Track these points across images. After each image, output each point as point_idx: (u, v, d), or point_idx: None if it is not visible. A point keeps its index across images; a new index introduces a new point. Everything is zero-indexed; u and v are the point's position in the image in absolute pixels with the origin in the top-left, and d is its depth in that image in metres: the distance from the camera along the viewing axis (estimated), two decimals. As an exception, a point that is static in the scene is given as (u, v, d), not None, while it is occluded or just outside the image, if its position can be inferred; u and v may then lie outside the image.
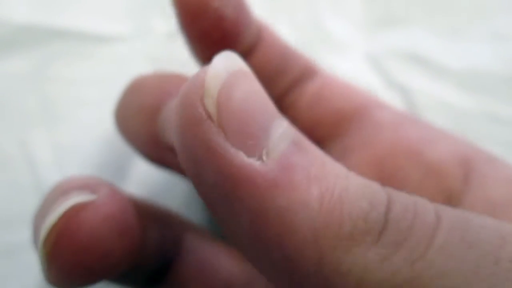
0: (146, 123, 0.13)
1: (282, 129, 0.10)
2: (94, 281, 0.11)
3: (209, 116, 0.09)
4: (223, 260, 0.16)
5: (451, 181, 0.14)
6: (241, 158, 0.09)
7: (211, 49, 0.15)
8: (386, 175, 0.15)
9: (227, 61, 0.10)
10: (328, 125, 0.17)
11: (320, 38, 0.24)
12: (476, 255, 0.09)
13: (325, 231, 0.09)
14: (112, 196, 0.12)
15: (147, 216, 0.15)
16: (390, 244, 0.09)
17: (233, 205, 0.09)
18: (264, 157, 0.09)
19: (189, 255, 0.16)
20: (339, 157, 0.16)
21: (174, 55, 0.24)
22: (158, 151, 0.13)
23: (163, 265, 0.15)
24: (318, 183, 0.09)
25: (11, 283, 0.18)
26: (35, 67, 0.23)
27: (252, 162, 0.09)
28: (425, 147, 0.15)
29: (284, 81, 0.17)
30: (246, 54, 0.16)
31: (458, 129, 0.20)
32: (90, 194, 0.11)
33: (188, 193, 0.20)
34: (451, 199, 0.14)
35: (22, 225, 0.19)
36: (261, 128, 0.10)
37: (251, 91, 0.10)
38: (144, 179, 0.21)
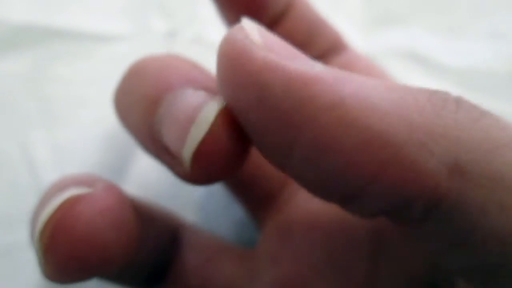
0: (145, 114, 0.12)
1: (317, 62, 0.10)
2: (90, 275, 0.11)
3: (257, 44, 0.10)
4: (222, 260, 0.16)
5: None
6: (302, 66, 0.09)
7: (237, 15, 0.15)
8: None
9: (252, 21, 0.11)
10: None
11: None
12: None
13: (403, 103, 0.09)
14: (109, 189, 0.11)
15: (146, 214, 0.15)
16: (473, 111, 0.09)
17: (309, 105, 0.09)
18: (317, 67, 0.10)
19: (188, 254, 0.16)
20: None
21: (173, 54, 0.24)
22: (153, 145, 0.12)
23: (163, 265, 0.15)
24: (378, 81, 0.10)
25: (10, 283, 0.18)
26: (34, 66, 0.23)
27: (312, 67, 0.10)
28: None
29: (310, 52, 0.16)
30: (275, 21, 0.16)
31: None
32: (87, 188, 0.11)
33: (187, 193, 0.20)
34: None
35: (22, 225, 0.19)
36: (302, 55, 0.10)
37: (283, 39, 0.11)
38: (144, 179, 0.21)
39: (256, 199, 0.17)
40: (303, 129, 0.09)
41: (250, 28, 0.10)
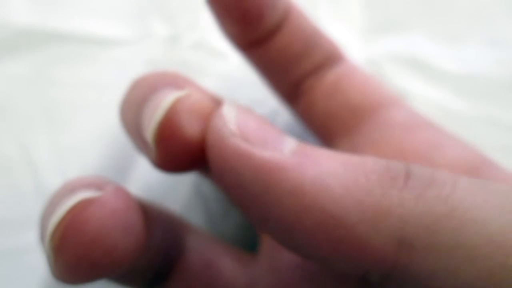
0: (135, 115, 0.13)
1: (292, 143, 0.12)
2: (99, 276, 0.12)
3: (233, 133, 0.11)
4: (224, 261, 0.16)
5: None
6: (268, 152, 0.11)
7: (235, 26, 0.16)
8: None
9: (232, 104, 0.12)
10: (340, 119, 0.17)
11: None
12: (498, 197, 0.10)
13: (355, 184, 0.10)
14: (118, 192, 0.12)
15: (151, 215, 0.15)
16: (418, 186, 0.10)
17: (273, 191, 0.11)
18: (286, 151, 0.11)
19: (192, 256, 0.16)
20: None
21: (174, 59, 0.24)
22: (142, 144, 0.13)
23: (166, 266, 0.16)
24: (337, 158, 0.11)
25: (13, 285, 0.19)
26: (36, 70, 0.23)
27: (278, 153, 0.11)
28: (434, 152, 0.15)
29: (306, 64, 0.17)
30: (272, 33, 0.16)
31: (456, 134, 0.20)
32: (96, 191, 0.12)
33: (188, 196, 0.20)
34: None
35: (24, 228, 0.20)
36: (275, 136, 0.12)
37: (258, 118, 0.12)
38: (145, 182, 0.21)
39: None
40: (271, 210, 0.11)
41: (228, 115, 0.12)
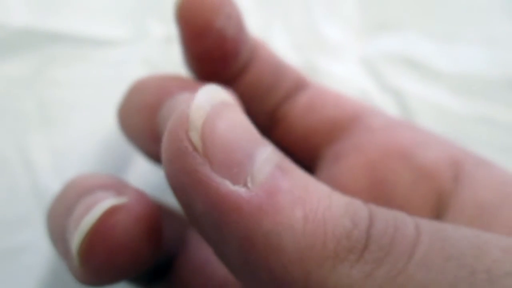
0: (147, 121, 0.13)
1: (266, 154, 0.10)
2: (121, 279, 0.12)
3: (195, 148, 0.10)
4: None
5: (441, 183, 0.14)
6: (227, 186, 0.10)
7: (211, 67, 0.16)
8: (378, 178, 0.15)
9: (209, 95, 0.10)
10: (321, 133, 0.17)
11: (315, 42, 0.24)
12: (454, 266, 0.09)
13: (310, 251, 0.10)
14: (142, 198, 0.12)
15: (164, 216, 0.15)
16: (372, 260, 0.10)
17: (222, 231, 0.10)
18: (249, 184, 0.10)
19: (191, 252, 0.16)
20: (332, 162, 0.17)
21: (171, 59, 0.24)
22: (156, 145, 0.13)
23: (166, 262, 0.16)
24: (302, 205, 0.10)
25: (10, 285, 0.19)
26: (32, 70, 0.23)
27: (237, 190, 0.10)
28: (416, 150, 0.15)
29: (277, 94, 0.17)
30: (242, 70, 0.17)
31: (451, 133, 0.20)
32: (117, 195, 0.12)
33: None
34: (441, 201, 0.14)
35: (21, 228, 0.20)
36: (245, 155, 0.10)
37: (234, 122, 0.10)
38: (142, 182, 0.21)
39: None
40: (218, 245, 0.10)
41: (195, 115, 0.10)
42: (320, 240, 0.10)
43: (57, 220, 0.13)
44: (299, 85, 0.18)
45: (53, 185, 0.20)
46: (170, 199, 0.21)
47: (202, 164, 0.10)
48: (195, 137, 0.10)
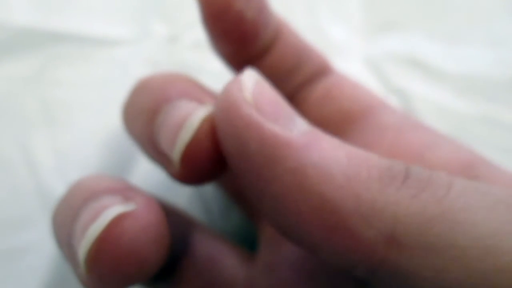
0: (146, 125, 0.13)
1: (302, 120, 0.12)
2: (129, 285, 0.12)
3: (247, 102, 0.11)
4: (227, 259, 0.16)
5: None
6: (278, 127, 0.11)
7: (231, 46, 0.16)
8: None
9: (252, 75, 0.12)
10: (333, 124, 0.17)
11: (319, 42, 0.24)
12: (491, 200, 0.10)
13: (356, 177, 0.11)
14: (150, 205, 0.12)
15: (169, 217, 0.15)
16: (415, 186, 0.11)
17: (275, 166, 0.11)
18: (295, 131, 0.11)
19: (196, 252, 0.16)
20: None
21: (174, 59, 0.24)
22: (153, 150, 0.13)
23: (171, 261, 0.16)
24: (343, 149, 0.11)
25: (12, 285, 0.19)
26: (35, 70, 0.23)
27: (287, 131, 0.11)
28: (427, 152, 0.15)
29: (298, 77, 0.18)
30: (265, 50, 0.17)
31: (456, 133, 0.20)
32: (124, 200, 0.12)
33: (189, 196, 0.21)
34: None
35: (24, 228, 0.20)
36: (288, 115, 0.12)
37: (275, 93, 0.12)
38: (145, 182, 0.21)
39: (252, 207, 0.18)
40: (269, 185, 0.11)
41: (246, 82, 0.12)
42: (364, 169, 0.11)
43: (63, 224, 0.13)
44: (320, 71, 0.18)
45: (56, 185, 0.20)
46: (173, 199, 0.21)
47: (256, 112, 0.11)
48: (247, 94, 0.11)
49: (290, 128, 0.11)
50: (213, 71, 0.23)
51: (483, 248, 0.10)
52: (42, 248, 0.19)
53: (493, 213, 0.10)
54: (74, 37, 0.24)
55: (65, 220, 0.13)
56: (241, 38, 0.16)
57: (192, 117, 0.12)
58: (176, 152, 0.12)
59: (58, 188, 0.20)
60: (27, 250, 0.19)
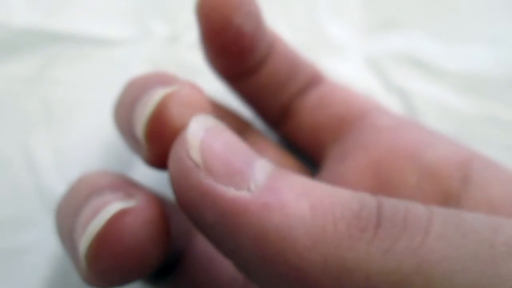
0: (126, 118, 0.13)
1: (263, 162, 0.11)
2: (130, 281, 0.12)
3: (197, 165, 0.10)
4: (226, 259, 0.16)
5: (448, 183, 0.14)
6: (232, 192, 0.10)
7: (228, 61, 0.16)
8: (383, 178, 0.15)
9: (201, 121, 0.11)
10: (328, 129, 0.17)
11: (319, 41, 0.24)
12: (472, 241, 0.09)
13: (323, 235, 0.10)
14: (152, 201, 0.12)
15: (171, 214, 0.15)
16: (388, 237, 0.10)
17: (234, 236, 0.10)
18: (252, 187, 0.10)
19: (198, 249, 0.16)
20: (338, 161, 0.16)
21: (174, 59, 0.24)
22: (134, 144, 0.13)
23: (172, 259, 0.16)
24: (306, 196, 0.10)
25: (12, 285, 0.19)
26: (35, 70, 0.23)
27: (243, 193, 0.10)
28: (423, 150, 0.15)
29: (291, 88, 0.18)
30: (260, 64, 0.17)
31: (456, 132, 0.20)
32: (126, 196, 0.12)
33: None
34: (449, 201, 0.14)
35: (24, 227, 0.20)
36: (244, 164, 0.11)
37: (229, 139, 0.11)
38: (145, 181, 0.21)
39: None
40: (234, 252, 0.10)
41: (192, 140, 0.11)
42: (330, 223, 0.10)
43: (65, 220, 0.13)
44: (313, 80, 0.18)
45: (56, 184, 0.20)
46: (171, 198, 0.21)
47: (206, 177, 0.10)
48: (195, 155, 0.11)
49: (247, 184, 0.10)
50: (210, 69, 0.23)
51: None
52: (42, 248, 0.19)
53: (474, 260, 0.09)
54: (73, 37, 0.24)
55: (67, 215, 0.13)
56: (239, 53, 0.16)
57: (156, 93, 0.12)
58: (139, 129, 0.12)
59: (58, 187, 0.20)
60: (27, 250, 0.19)
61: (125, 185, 0.13)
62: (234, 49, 0.16)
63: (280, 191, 0.10)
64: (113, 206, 0.11)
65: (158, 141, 0.12)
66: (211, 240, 0.11)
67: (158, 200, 0.12)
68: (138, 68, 0.23)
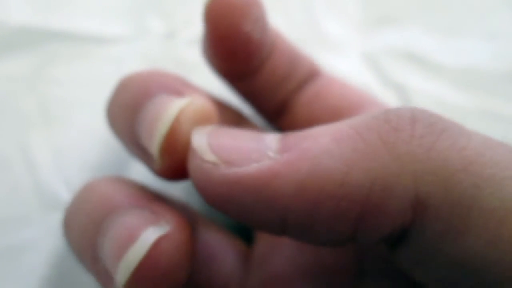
0: (128, 121, 0.13)
1: (270, 135, 0.11)
2: None
3: (214, 163, 0.11)
4: (227, 255, 0.16)
5: None
6: (255, 167, 0.10)
7: (233, 65, 0.16)
8: None
9: (201, 130, 0.12)
10: (322, 122, 0.17)
11: (316, 37, 0.24)
12: (508, 149, 0.09)
13: (355, 155, 0.10)
14: (182, 223, 0.12)
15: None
16: (429, 134, 0.09)
17: (278, 201, 0.10)
18: (271, 154, 0.11)
19: (198, 248, 0.16)
20: None
21: (171, 56, 0.24)
22: (136, 148, 0.13)
23: None
24: (323, 135, 0.10)
25: (11, 284, 0.19)
26: (33, 69, 0.23)
27: (265, 163, 0.10)
28: None
29: (290, 84, 0.18)
30: (262, 64, 0.17)
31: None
32: (153, 216, 0.12)
33: (187, 194, 0.21)
34: None
35: (22, 227, 0.20)
36: (254, 142, 0.11)
37: (230, 131, 0.12)
38: (143, 180, 0.21)
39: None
40: (284, 216, 0.10)
41: (201, 146, 0.11)
42: (359, 141, 0.10)
43: (83, 235, 0.13)
44: (311, 74, 0.18)
45: (55, 183, 0.20)
46: (172, 192, 0.20)
47: (227, 168, 0.11)
48: (209, 156, 0.11)
49: (266, 155, 0.11)
50: (209, 67, 0.23)
51: (504, 210, 0.09)
52: (41, 247, 0.19)
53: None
54: (71, 35, 0.24)
55: (85, 230, 0.13)
56: (245, 58, 0.16)
57: (168, 108, 0.12)
58: (154, 145, 0.12)
59: (57, 186, 0.20)
60: (26, 249, 0.19)
61: (147, 200, 0.13)
62: (241, 55, 0.16)
63: (296, 145, 0.10)
64: (150, 234, 0.11)
65: (171, 156, 0.12)
66: (259, 223, 0.11)
67: (186, 220, 0.12)
68: (135, 65, 0.23)
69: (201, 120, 0.12)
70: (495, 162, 0.09)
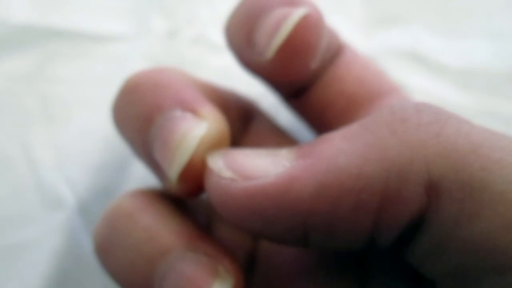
0: (139, 131, 0.13)
1: (284, 148, 0.12)
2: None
3: (232, 179, 0.11)
4: (237, 249, 0.16)
5: None
6: (273, 175, 0.11)
7: (283, 86, 0.16)
8: None
9: (215, 154, 0.12)
10: (336, 108, 0.16)
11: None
12: (509, 139, 0.10)
13: (367, 148, 0.10)
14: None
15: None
16: (434, 121, 0.10)
17: (300, 206, 0.10)
18: (287, 164, 0.11)
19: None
20: None
21: (174, 55, 0.24)
22: (147, 158, 0.14)
23: None
24: (334, 137, 0.11)
25: (12, 282, 0.19)
26: (34, 67, 0.23)
27: (280, 170, 0.11)
28: None
29: (320, 66, 0.17)
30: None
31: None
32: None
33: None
34: None
35: (24, 225, 0.20)
36: (268, 155, 0.11)
37: (243, 150, 0.12)
38: (145, 179, 0.21)
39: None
40: (306, 222, 0.10)
41: (217, 167, 0.12)
42: (370, 135, 0.10)
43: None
44: (336, 51, 0.17)
45: (56, 181, 0.20)
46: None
47: (245, 181, 0.11)
48: (226, 173, 0.11)
49: (280, 163, 0.11)
50: (212, 66, 0.23)
51: None
52: (43, 245, 0.19)
53: None
54: (72, 33, 0.24)
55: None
56: (300, 82, 0.16)
57: (188, 137, 0.12)
58: (173, 172, 0.12)
59: (58, 184, 0.20)
60: (28, 247, 0.19)
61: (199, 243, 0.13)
62: (297, 83, 0.16)
63: (309, 152, 0.11)
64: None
65: (189, 181, 0.12)
66: (281, 234, 0.11)
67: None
68: (137, 64, 0.23)
69: (217, 144, 0.13)
70: (501, 147, 0.09)
